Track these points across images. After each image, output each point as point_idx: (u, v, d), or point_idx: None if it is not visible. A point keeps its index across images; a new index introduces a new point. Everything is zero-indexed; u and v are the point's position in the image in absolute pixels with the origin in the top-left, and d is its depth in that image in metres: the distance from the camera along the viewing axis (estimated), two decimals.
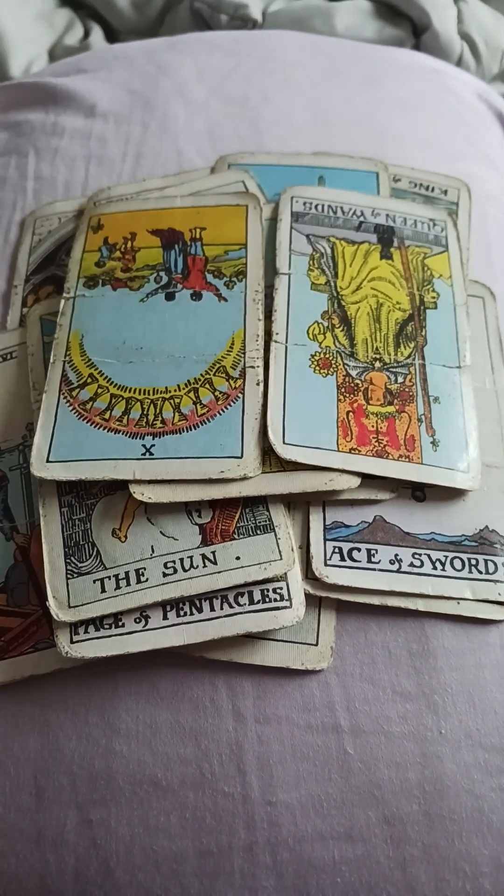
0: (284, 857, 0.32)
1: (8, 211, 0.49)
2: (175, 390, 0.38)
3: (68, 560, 0.35)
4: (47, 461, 0.36)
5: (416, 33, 0.76)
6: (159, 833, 0.32)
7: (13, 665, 0.34)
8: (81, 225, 0.45)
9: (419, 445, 0.37)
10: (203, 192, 0.46)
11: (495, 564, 0.36)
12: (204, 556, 0.34)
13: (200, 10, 0.80)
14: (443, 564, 0.36)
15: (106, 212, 0.45)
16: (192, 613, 0.33)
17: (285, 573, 0.34)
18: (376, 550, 0.36)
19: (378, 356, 0.40)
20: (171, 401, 0.38)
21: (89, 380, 0.39)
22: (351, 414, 0.38)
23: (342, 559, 0.35)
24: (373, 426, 0.38)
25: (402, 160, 0.51)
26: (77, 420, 0.37)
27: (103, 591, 0.34)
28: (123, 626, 0.33)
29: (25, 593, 0.36)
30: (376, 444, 0.37)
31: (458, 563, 0.36)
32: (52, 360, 0.40)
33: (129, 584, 0.34)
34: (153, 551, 0.34)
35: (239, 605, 0.34)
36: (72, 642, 0.33)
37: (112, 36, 0.88)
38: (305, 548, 0.36)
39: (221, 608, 0.34)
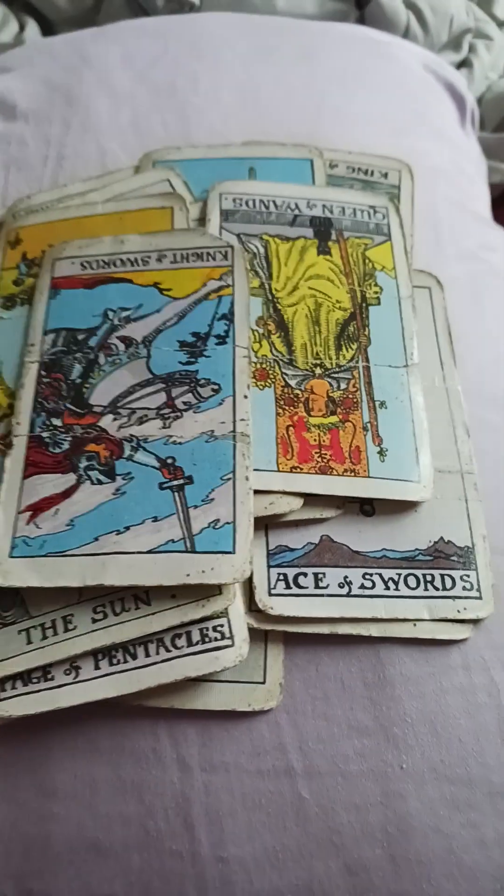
0: None
1: None
2: None
3: None
4: None
5: (360, 5, 0.73)
6: None
7: None
8: None
9: (365, 457, 0.35)
10: (126, 195, 0.43)
11: (452, 579, 0.34)
12: (136, 597, 0.31)
13: None
14: (396, 584, 0.33)
15: (24, 224, 0.42)
16: (125, 661, 0.31)
17: (226, 608, 0.31)
18: (324, 574, 0.33)
19: (318, 362, 0.37)
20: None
21: (9, 411, 0.36)
22: (291, 428, 0.35)
23: (287, 587, 0.33)
24: (315, 440, 0.35)
25: (342, 137, 0.48)
26: None
27: (29, 642, 0.31)
28: (53, 678, 0.31)
29: None
30: (319, 459, 0.34)
31: (412, 581, 0.34)
32: None
33: (56, 633, 0.31)
34: (81, 595, 0.32)
35: (176, 647, 0.31)
36: None
37: (48, 29, 0.84)
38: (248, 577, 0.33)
39: (157, 653, 0.31)
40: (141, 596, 0.32)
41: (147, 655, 0.31)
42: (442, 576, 0.34)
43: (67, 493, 0.33)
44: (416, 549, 0.34)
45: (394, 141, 0.49)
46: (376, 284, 0.40)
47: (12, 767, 0.31)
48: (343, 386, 0.36)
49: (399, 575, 0.34)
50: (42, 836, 0.30)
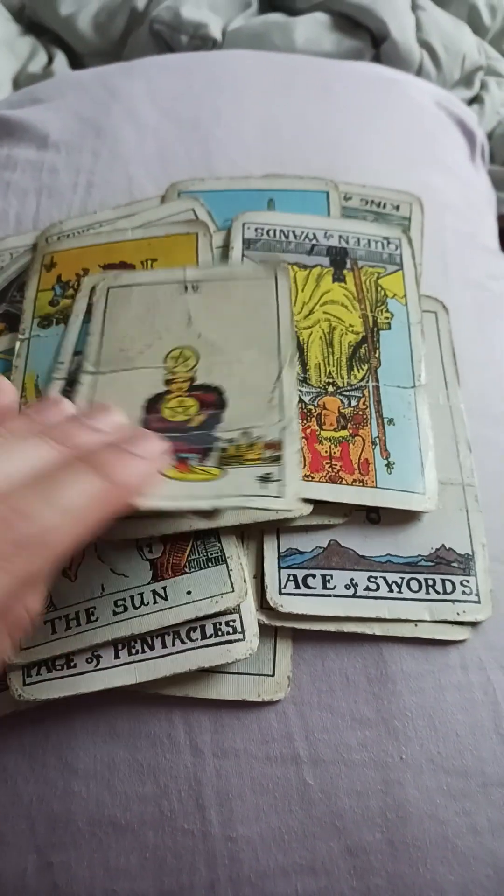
0: (247, 893, 0.32)
1: None
2: None
3: None
4: None
5: (376, 44, 0.76)
6: (120, 875, 0.32)
7: None
8: (34, 264, 0.45)
9: (373, 469, 0.37)
10: (154, 223, 0.46)
11: (453, 584, 0.36)
12: (154, 592, 0.34)
13: (160, 31, 0.80)
14: (399, 587, 0.36)
15: (58, 249, 0.45)
16: (143, 651, 0.33)
17: (238, 605, 0.34)
18: (331, 576, 0.36)
19: (331, 380, 0.40)
20: None
21: None
22: (304, 440, 0.38)
23: (297, 587, 0.35)
24: (326, 452, 0.37)
25: (356, 172, 0.50)
26: None
27: (54, 631, 0.34)
28: (75, 666, 0.33)
29: None
30: (329, 469, 0.37)
31: (414, 585, 0.36)
32: None
33: (79, 623, 0.34)
34: (103, 589, 0.34)
35: (191, 640, 0.33)
36: (24, 684, 0.33)
37: (76, 60, 0.88)
38: (260, 577, 0.35)
39: (173, 644, 0.33)
40: (159, 591, 0.34)
41: (164, 647, 0.33)
42: (443, 580, 0.36)
43: None
44: (419, 555, 0.36)
45: (405, 175, 0.52)
46: (388, 311, 0.42)
47: (39, 748, 0.34)
48: (354, 403, 0.39)
49: (402, 579, 0.36)
50: (65, 812, 0.33)
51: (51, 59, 0.87)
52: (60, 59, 0.86)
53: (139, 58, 0.65)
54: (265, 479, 0.33)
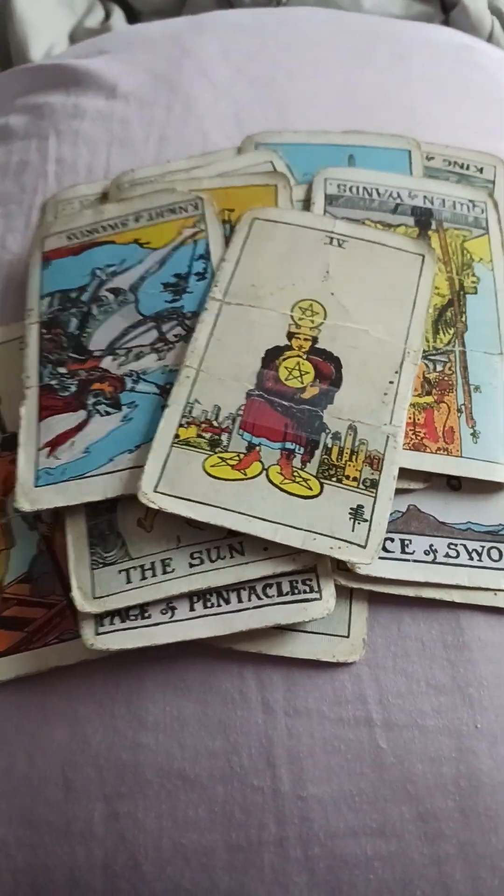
0: (316, 853, 0.31)
1: (29, 195, 0.48)
2: None
3: (93, 550, 0.34)
4: None
5: (445, 9, 0.74)
6: (188, 827, 0.32)
7: (37, 656, 0.34)
8: None
9: (458, 437, 0.36)
10: (230, 173, 0.45)
11: None
12: (231, 547, 0.33)
13: None
14: (479, 555, 0.35)
15: (132, 195, 0.45)
16: (219, 605, 0.33)
17: (315, 564, 0.33)
18: (410, 541, 0.35)
19: None
20: None
21: None
22: None
23: None
24: (409, 418, 0.36)
25: (432, 140, 0.49)
26: None
27: (129, 581, 0.33)
28: (150, 617, 0.33)
29: (50, 583, 0.35)
30: (413, 436, 0.36)
31: (495, 554, 0.35)
32: None
33: (154, 574, 0.33)
34: (179, 541, 0.34)
35: (267, 596, 0.33)
36: (97, 634, 0.32)
37: (133, 17, 0.86)
38: None
39: (249, 599, 0.33)
40: (235, 546, 0.33)
41: (240, 601, 0.33)
42: None
43: (80, 427, 0.37)
44: (501, 525, 0.36)
45: (481, 143, 0.51)
46: (474, 275, 0.41)
47: (109, 698, 0.33)
48: (439, 368, 0.38)
49: (483, 547, 0.35)
50: (133, 762, 0.32)
51: (107, 15, 0.86)
52: (118, 15, 0.85)
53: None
54: (356, 514, 0.33)
